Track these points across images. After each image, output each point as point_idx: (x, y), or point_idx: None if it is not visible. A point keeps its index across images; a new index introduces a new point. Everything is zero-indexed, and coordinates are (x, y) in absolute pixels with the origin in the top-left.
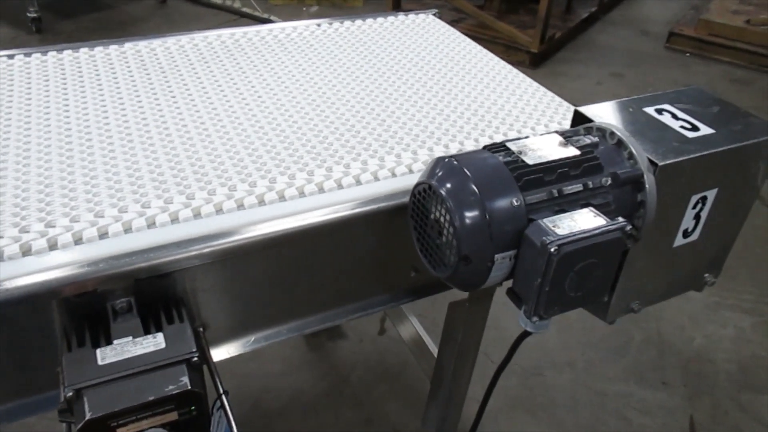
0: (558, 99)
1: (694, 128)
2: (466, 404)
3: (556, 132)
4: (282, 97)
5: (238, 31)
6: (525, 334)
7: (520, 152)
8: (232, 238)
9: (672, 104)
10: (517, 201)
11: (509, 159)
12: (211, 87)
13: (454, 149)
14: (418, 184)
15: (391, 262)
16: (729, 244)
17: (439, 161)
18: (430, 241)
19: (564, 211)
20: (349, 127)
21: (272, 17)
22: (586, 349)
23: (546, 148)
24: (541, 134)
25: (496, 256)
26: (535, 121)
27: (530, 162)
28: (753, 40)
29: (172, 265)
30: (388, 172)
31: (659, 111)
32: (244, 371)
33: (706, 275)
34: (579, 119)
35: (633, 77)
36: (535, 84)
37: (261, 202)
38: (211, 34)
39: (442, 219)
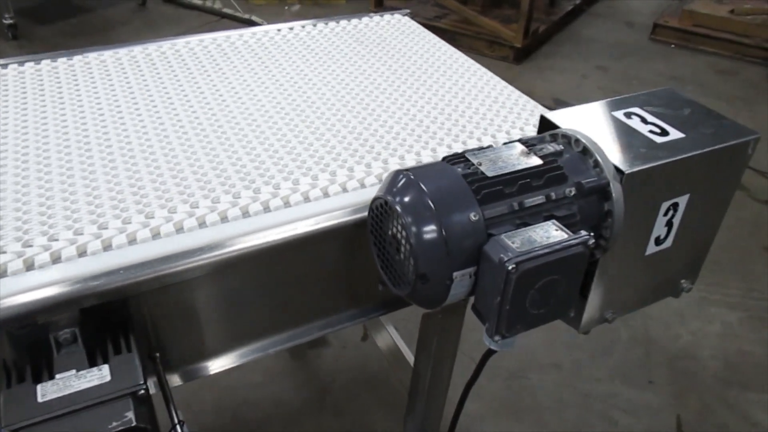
0: (532, 102)
1: (664, 133)
2: (451, 409)
3: (519, 141)
4: (250, 105)
5: (220, 36)
6: (490, 352)
7: (480, 163)
8: (187, 260)
9: (642, 107)
10: (475, 216)
11: (468, 171)
12: (192, 92)
13: (426, 157)
14: (375, 199)
15: (358, 276)
16: (705, 248)
17: (395, 175)
18: (389, 257)
19: (526, 224)
20: (318, 135)
21: (254, 17)
22: (572, 349)
23: (507, 158)
24: (504, 143)
25: (454, 273)
26: (510, 124)
27: (490, 174)
28: (738, 30)
29: (119, 291)
30: (357, 183)
31: (628, 115)
32: (224, 383)
33: (683, 281)
34: (545, 125)
35: (618, 70)
36: (510, 87)
37: (224, 219)
38: (194, 39)
39: (398, 235)
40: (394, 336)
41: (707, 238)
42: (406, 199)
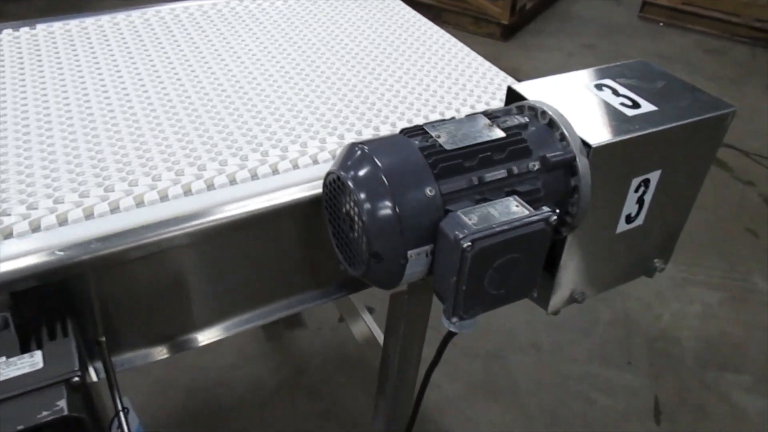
0: (502, 74)
1: (635, 105)
2: (430, 392)
3: (483, 113)
4: (221, 75)
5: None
6: (450, 334)
7: (439, 136)
8: (130, 239)
9: (614, 79)
10: (431, 191)
11: (426, 144)
12: (161, 64)
13: (386, 132)
14: (328, 174)
15: (318, 256)
16: (678, 227)
17: (349, 148)
18: (344, 235)
19: (487, 200)
20: (273, 110)
21: None
22: (552, 330)
23: (469, 130)
24: (467, 115)
25: (409, 252)
26: (475, 98)
27: (448, 147)
28: (727, 9)
29: (56, 273)
30: (310, 160)
31: (599, 87)
32: (198, 364)
33: (656, 261)
34: (512, 97)
35: (605, 48)
36: (480, 59)
37: (164, 198)
38: (193, 4)
39: (351, 212)
40: (367, 318)
41: (681, 215)
42: (359, 173)
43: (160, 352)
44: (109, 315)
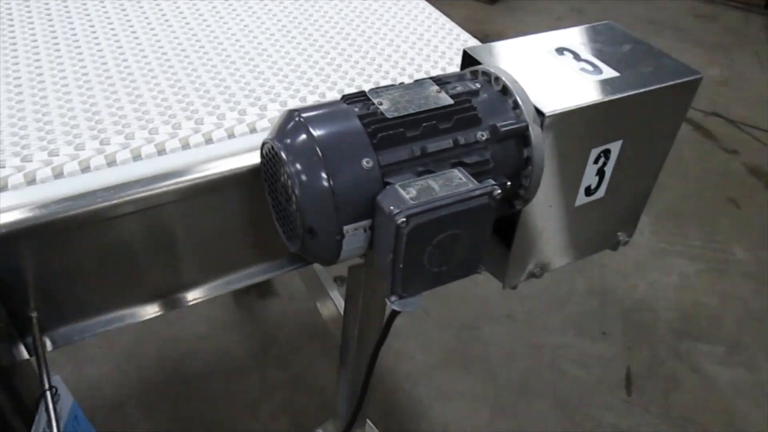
0: (465, 35)
1: (596, 71)
2: (400, 361)
3: (431, 78)
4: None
5: None
6: (394, 313)
7: (381, 103)
8: (59, 208)
9: (577, 43)
10: (368, 162)
11: (366, 111)
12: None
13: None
14: (264, 143)
15: (267, 226)
16: (642, 199)
17: (286, 116)
18: (281, 209)
19: (430, 172)
20: (214, 74)
21: None
22: (526, 300)
23: (414, 97)
24: (415, 81)
25: (345, 227)
26: (431, 63)
27: (390, 115)
28: None
29: None
30: (247, 128)
31: (560, 51)
32: (167, 334)
33: (619, 234)
34: (468, 61)
35: (595, 12)
36: (444, 19)
37: (112, 163)
38: None
39: (286, 185)
40: (332, 292)
41: (645, 187)
42: (293, 143)
43: (101, 325)
44: (44, 288)
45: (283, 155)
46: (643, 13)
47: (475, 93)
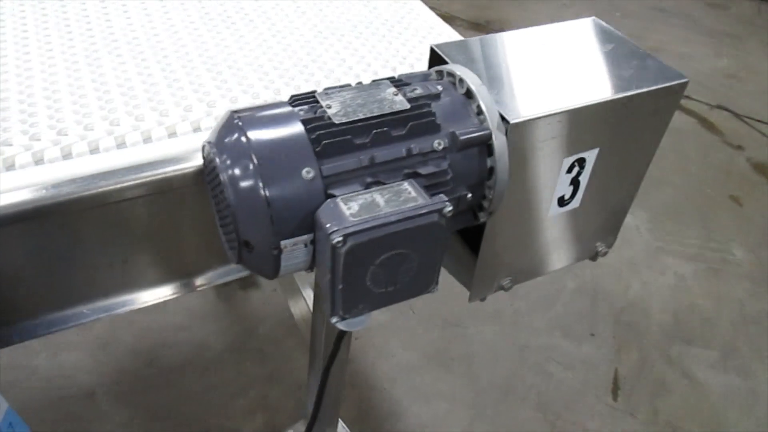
0: (447, 29)
1: (573, 73)
2: (381, 358)
3: (390, 79)
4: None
5: None
6: (342, 333)
7: (329, 106)
8: None
9: (556, 41)
10: (309, 172)
11: (312, 116)
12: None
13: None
14: (203, 144)
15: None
16: (622, 209)
17: (227, 117)
18: (222, 216)
19: (380, 183)
20: (165, 65)
21: None
22: (514, 298)
23: (368, 99)
24: (373, 81)
25: (282, 242)
26: (399, 59)
27: (338, 120)
28: None
29: None
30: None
31: (537, 50)
32: (144, 323)
33: (598, 244)
34: (435, 59)
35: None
36: (426, 10)
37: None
38: None
39: (222, 192)
40: (306, 293)
41: (625, 196)
42: (228, 148)
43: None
44: None
45: (218, 161)
46: (653, 2)
47: (436, 96)
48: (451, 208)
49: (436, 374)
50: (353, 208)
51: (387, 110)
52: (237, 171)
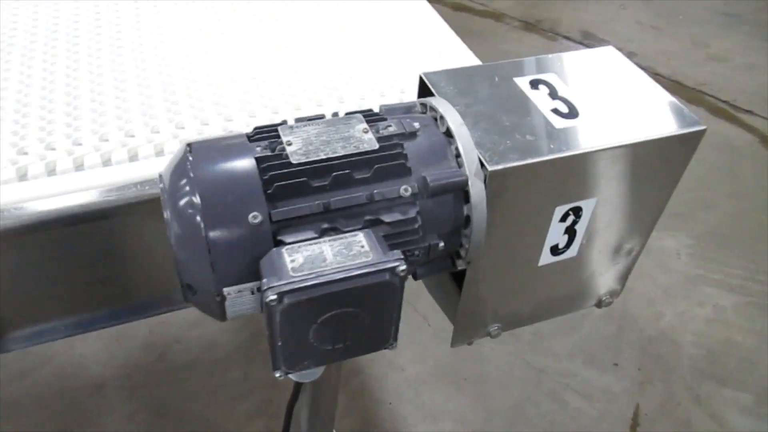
0: (459, 46)
1: (571, 114)
2: (390, 371)
3: (364, 113)
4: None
5: None
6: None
7: (290, 143)
8: None
9: (560, 74)
10: (256, 217)
11: (267, 153)
12: None
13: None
14: (159, 175)
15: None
16: (629, 259)
17: (181, 150)
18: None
19: (337, 230)
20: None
21: None
22: None
23: (333, 136)
24: (346, 114)
25: (225, 289)
26: (390, 84)
27: (296, 159)
28: None
29: None
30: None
31: (535, 84)
32: (159, 319)
33: (603, 295)
34: (425, 89)
35: (664, 1)
36: (440, 22)
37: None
38: None
39: (167, 231)
40: None
41: (631, 247)
42: (173, 184)
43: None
44: None
45: (165, 196)
46: (721, 4)
47: (411, 135)
48: (404, 268)
49: (446, 393)
50: (297, 261)
51: (352, 150)
52: (179, 210)
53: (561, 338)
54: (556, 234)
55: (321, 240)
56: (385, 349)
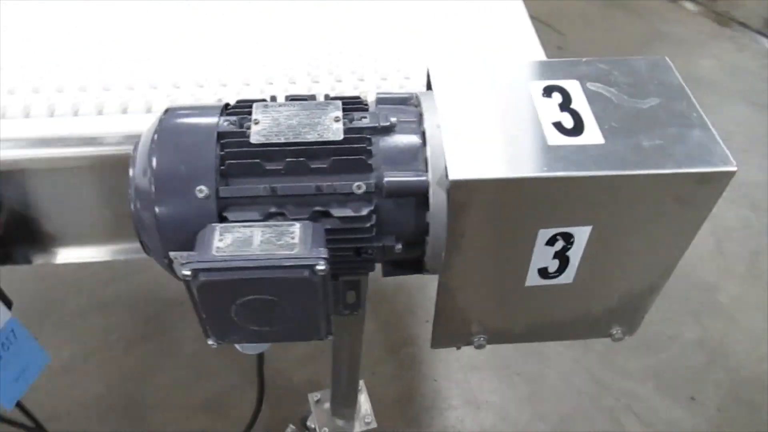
0: (528, 33)
1: (576, 129)
2: (447, 354)
3: (344, 99)
4: None
5: None
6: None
7: (257, 122)
8: None
9: (585, 81)
10: (202, 191)
11: (232, 129)
12: None
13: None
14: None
15: None
16: (642, 297)
17: (160, 113)
18: None
19: (282, 215)
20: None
21: None
22: None
23: (303, 121)
24: (326, 99)
25: (171, 253)
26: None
27: (256, 139)
28: None
29: None
30: None
31: (549, 91)
32: None
33: (613, 328)
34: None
35: None
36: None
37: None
38: None
39: None
40: None
41: (646, 284)
42: (142, 146)
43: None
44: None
45: (133, 154)
46: None
47: (384, 131)
48: (323, 268)
49: (496, 384)
50: (225, 241)
51: (315, 138)
52: (138, 171)
53: (637, 357)
54: (543, 257)
55: (255, 224)
56: (319, 339)
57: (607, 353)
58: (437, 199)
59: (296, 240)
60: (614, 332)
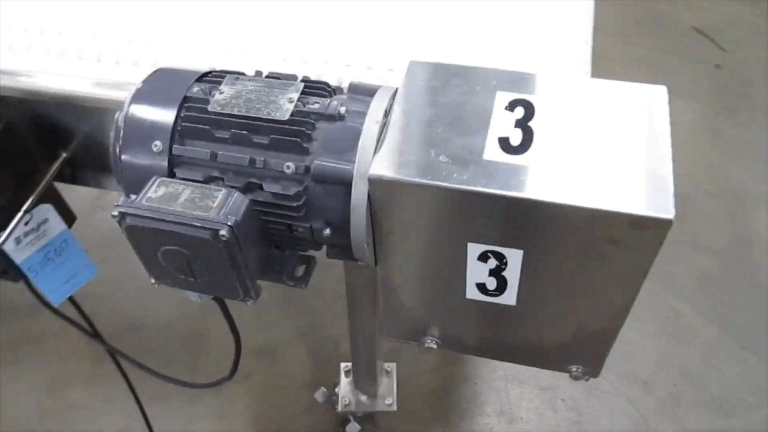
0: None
1: (521, 147)
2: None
3: (310, 82)
4: None
5: None
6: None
7: (222, 92)
8: None
9: (562, 101)
10: (157, 146)
11: (199, 96)
12: None
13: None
14: None
15: None
16: (600, 339)
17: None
18: None
19: (221, 181)
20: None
21: None
22: (682, 381)
23: (260, 97)
24: (296, 80)
25: (131, 196)
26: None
27: (213, 108)
28: None
29: None
30: None
31: (515, 103)
32: None
33: (573, 366)
34: None
35: None
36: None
37: None
38: None
39: None
40: None
41: (601, 325)
42: (129, 97)
43: None
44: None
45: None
46: None
47: (331, 118)
48: (225, 234)
49: (535, 403)
50: (157, 193)
51: (263, 115)
52: (118, 118)
53: (705, 414)
54: (478, 272)
55: (190, 184)
56: (241, 301)
57: (670, 401)
58: (358, 190)
59: (215, 204)
60: (573, 369)
